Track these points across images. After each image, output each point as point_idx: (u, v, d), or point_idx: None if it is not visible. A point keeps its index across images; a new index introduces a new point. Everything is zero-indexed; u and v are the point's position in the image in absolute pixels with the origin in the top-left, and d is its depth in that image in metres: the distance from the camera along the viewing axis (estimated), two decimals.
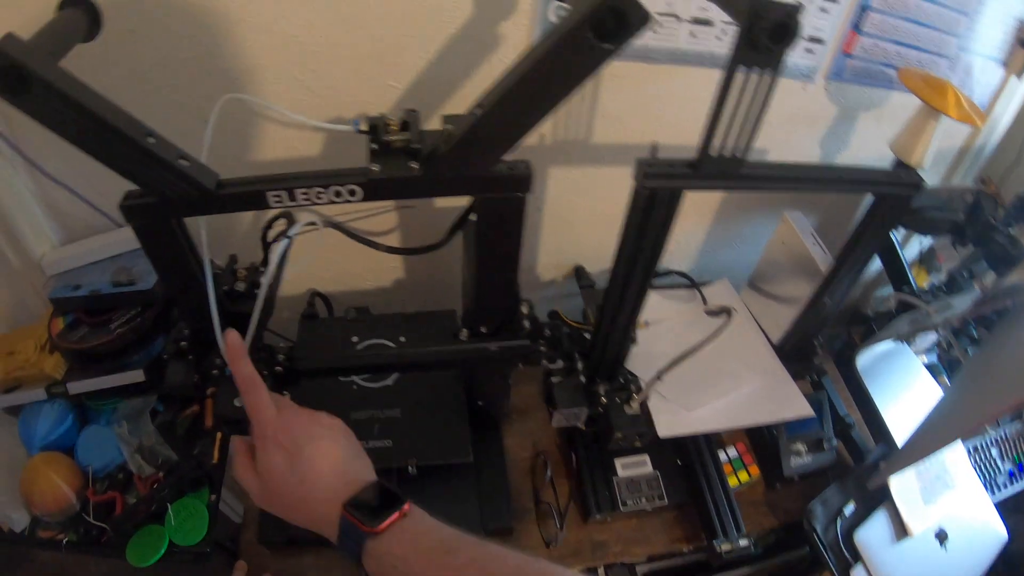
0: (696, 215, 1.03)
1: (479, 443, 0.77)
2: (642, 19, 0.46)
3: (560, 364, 0.74)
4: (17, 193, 0.81)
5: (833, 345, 0.96)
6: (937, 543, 0.85)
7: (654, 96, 0.85)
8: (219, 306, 0.61)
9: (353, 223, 0.72)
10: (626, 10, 0.46)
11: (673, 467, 0.84)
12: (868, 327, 1.01)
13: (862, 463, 0.89)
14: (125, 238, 0.84)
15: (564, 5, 0.73)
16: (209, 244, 0.61)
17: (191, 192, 0.54)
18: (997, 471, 0.99)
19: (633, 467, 0.83)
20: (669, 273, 0.98)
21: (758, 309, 0.94)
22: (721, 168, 0.59)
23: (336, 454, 0.50)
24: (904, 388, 0.97)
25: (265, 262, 0.70)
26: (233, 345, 0.51)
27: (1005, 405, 0.73)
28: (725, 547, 0.78)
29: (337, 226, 0.64)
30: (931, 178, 1.12)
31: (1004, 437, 1.01)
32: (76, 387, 0.83)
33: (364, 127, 0.56)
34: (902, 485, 0.85)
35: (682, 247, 1.06)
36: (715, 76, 0.82)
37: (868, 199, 0.74)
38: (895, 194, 0.72)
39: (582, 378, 0.74)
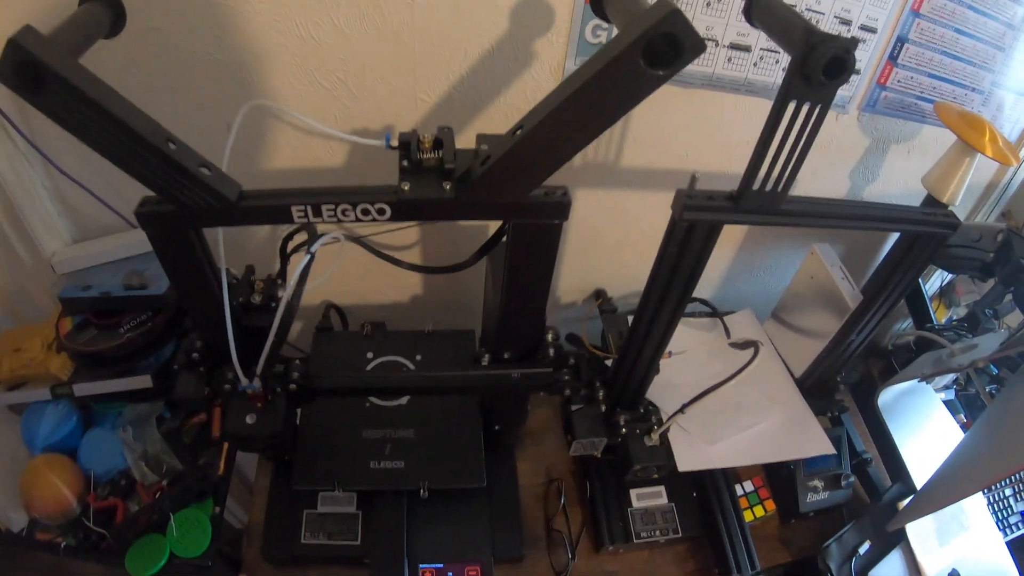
0: (722, 243, 0.98)
1: (492, 467, 0.74)
2: (696, 46, 0.43)
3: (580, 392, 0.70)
4: (30, 188, 0.78)
5: (850, 378, 0.93)
6: None
7: (686, 120, 0.82)
8: (234, 319, 0.58)
9: (372, 236, 0.69)
10: (680, 37, 0.43)
11: (689, 499, 0.81)
12: (887, 362, 0.98)
13: (878, 500, 0.86)
14: (139, 240, 0.81)
15: (603, 24, 0.70)
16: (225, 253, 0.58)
17: (211, 202, 0.51)
18: (1010, 511, 0.96)
19: (648, 498, 0.80)
20: (691, 301, 0.95)
21: (781, 341, 0.91)
22: (762, 202, 0.56)
23: None
24: (922, 426, 0.94)
25: (282, 274, 0.67)
26: None
27: None
28: None
29: (359, 241, 0.61)
30: (958, 213, 1.10)
31: (1018, 478, 0.98)
32: (82, 389, 0.80)
33: (395, 143, 0.52)
34: (918, 526, 0.82)
35: (705, 275, 1.02)
36: (749, 102, 0.81)
37: (895, 235, 0.71)
38: (931, 233, 0.69)
39: (602, 407, 0.70)
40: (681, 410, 0.68)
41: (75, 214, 0.82)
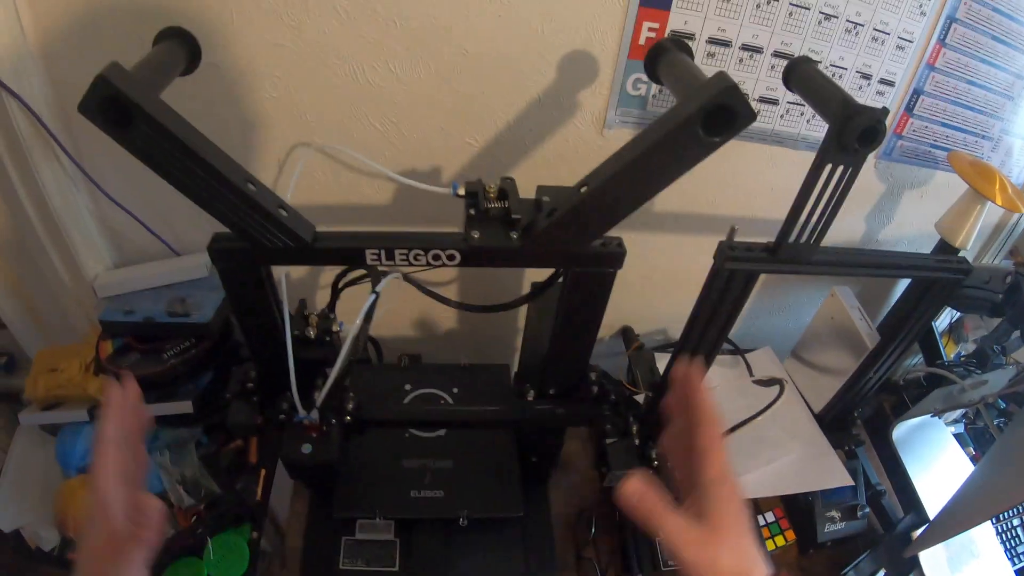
0: None
1: (527, 497, 0.78)
2: (750, 117, 0.48)
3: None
4: (75, 210, 0.82)
5: (864, 413, 0.99)
6: None
7: (716, 168, 0.88)
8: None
9: (417, 273, 0.73)
10: (737, 108, 0.48)
11: None
12: (899, 397, 1.04)
13: (892, 531, 0.92)
14: (181, 267, 0.85)
15: (643, 78, 0.76)
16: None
17: (287, 243, 0.55)
18: (1018, 540, 1.02)
19: None
20: None
21: (801, 378, 0.97)
22: (797, 254, 0.62)
23: None
24: (933, 458, 1.00)
25: (332, 307, 0.71)
26: (691, 373, 0.48)
27: None
28: None
29: (415, 282, 0.66)
30: (967, 254, 1.17)
31: None
32: None
33: (462, 192, 0.57)
34: (931, 555, 0.88)
35: None
36: (775, 152, 0.88)
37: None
38: (945, 279, 0.75)
39: (636, 440, 0.75)
40: None
41: (118, 238, 0.86)
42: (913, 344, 0.81)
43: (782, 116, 0.84)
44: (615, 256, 0.56)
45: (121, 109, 0.43)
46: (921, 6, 0.82)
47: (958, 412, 1.07)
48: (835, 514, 0.89)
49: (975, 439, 1.08)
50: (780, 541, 0.89)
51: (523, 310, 0.83)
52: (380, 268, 0.60)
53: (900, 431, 0.97)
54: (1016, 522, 1.03)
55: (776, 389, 0.77)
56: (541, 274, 0.64)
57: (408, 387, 0.78)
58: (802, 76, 0.61)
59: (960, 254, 0.92)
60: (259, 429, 0.68)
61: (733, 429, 0.74)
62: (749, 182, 0.91)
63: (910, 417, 0.96)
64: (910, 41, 0.85)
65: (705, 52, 0.77)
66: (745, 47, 0.78)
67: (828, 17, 0.79)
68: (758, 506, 0.90)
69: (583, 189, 0.53)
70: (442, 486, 0.76)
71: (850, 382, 0.84)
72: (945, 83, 0.91)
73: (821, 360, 0.95)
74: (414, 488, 0.76)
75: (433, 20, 0.69)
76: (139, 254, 0.87)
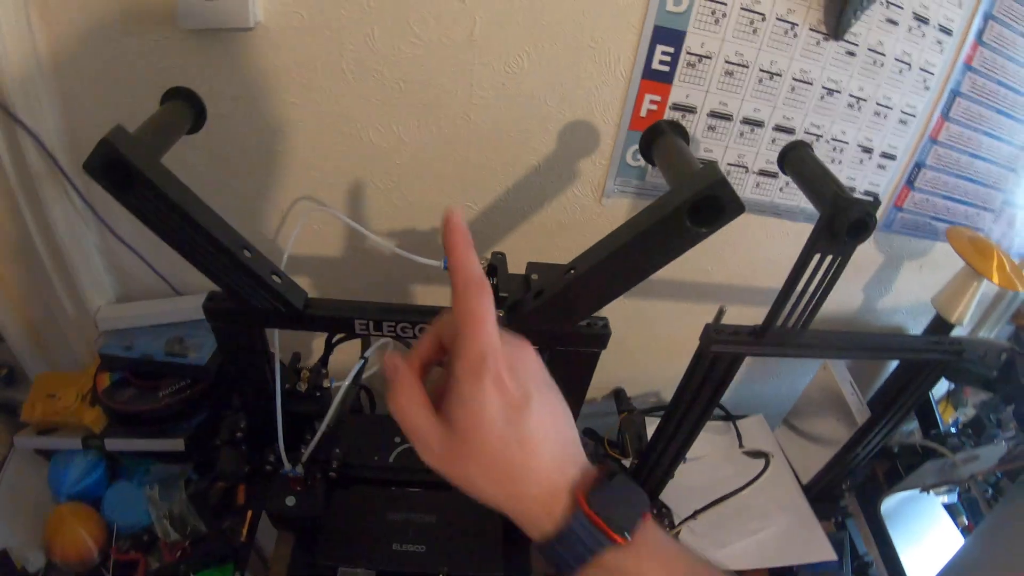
0: None
1: (508, 558, 0.79)
2: (737, 210, 0.51)
3: None
4: (83, 245, 0.85)
5: (856, 479, 1.00)
6: None
7: (714, 239, 0.89)
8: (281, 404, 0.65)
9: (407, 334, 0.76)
10: (724, 202, 0.50)
11: None
12: (892, 464, 1.04)
13: None
14: (182, 308, 0.88)
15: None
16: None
17: (279, 308, 0.58)
18: None
19: None
20: None
21: (791, 447, 0.98)
22: (783, 338, 0.64)
23: (564, 416, 0.38)
24: (923, 531, 1.01)
25: (324, 362, 0.74)
26: (456, 225, 0.35)
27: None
28: None
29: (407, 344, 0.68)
30: (965, 326, 1.18)
31: None
32: (114, 444, 0.86)
33: None
34: None
35: None
36: (773, 223, 0.90)
37: None
38: (936, 360, 0.76)
39: None
40: (693, 515, 0.75)
41: (122, 274, 0.90)
42: (904, 420, 0.82)
43: (781, 189, 0.86)
44: (599, 337, 0.58)
45: (123, 172, 0.46)
46: (925, 80, 0.84)
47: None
48: None
49: (968, 508, 1.08)
50: None
51: None
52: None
53: (891, 504, 0.98)
54: None
55: (763, 464, 0.78)
56: None
57: (398, 439, 0.80)
58: (796, 161, 0.64)
59: (956, 329, 0.93)
60: (246, 477, 0.71)
61: (718, 501, 0.75)
62: (747, 252, 0.93)
63: (900, 490, 0.97)
64: (913, 115, 0.87)
65: (706, 125, 0.79)
66: (746, 120, 0.80)
67: (831, 92, 0.81)
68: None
69: (571, 272, 0.55)
70: (424, 541, 0.78)
71: (839, 455, 0.86)
72: (947, 156, 0.93)
73: (812, 430, 0.96)
74: (396, 541, 0.78)
75: (438, 86, 0.72)
76: (142, 291, 0.90)
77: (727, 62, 0.76)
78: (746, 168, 0.83)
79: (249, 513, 0.85)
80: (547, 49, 0.71)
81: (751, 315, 0.66)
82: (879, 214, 0.94)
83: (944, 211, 0.98)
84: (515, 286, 0.59)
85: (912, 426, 1.14)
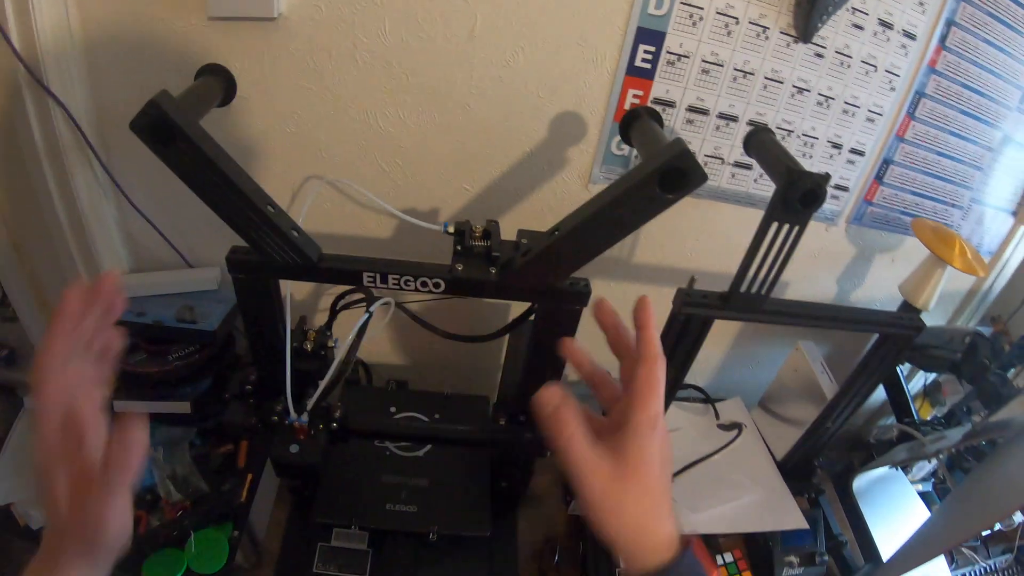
0: (717, 337, 1.17)
1: (496, 520, 0.87)
2: (700, 178, 0.59)
3: None
4: (102, 216, 0.93)
5: (834, 468, 1.08)
6: None
7: (693, 226, 1.00)
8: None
9: (408, 304, 0.84)
10: (688, 171, 0.59)
11: None
12: (868, 454, 1.13)
13: None
14: (193, 278, 0.97)
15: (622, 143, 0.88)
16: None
17: (296, 260, 0.66)
18: None
19: None
20: (687, 387, 1.12)
21: (766, 427, 1.07)
22: (747, 303, 0.73)
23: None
24: (897, 513, 1.08)
25: (330, 326, 0.83)
26: (649, 307, 0.48)
27: (983, 525, 0.85)
28: None
29: (404, 308, 0.77)
30: (939, 316, 1.28)
31: (994, 568, 1.11)
32: (122, 406, 0.93)
33: (452, 230, 0.69)
34: None
35: (701, 365, 1.20)
36: (748, 213, 1.00)
37: (875, 336, 0.88)
38: (898, 334, 0.85)
39: None
40: (671, 479, 0.83)
41: (136, 246, 0.98)
42: (871, 394, 0.91)
43: (755, 180, 0.97)
44: (581, 295, 0.67)
45: (166, 131, 0.53)
46: (891, 82, 0.95)
47: (927, 470, 1.16)
48: (794, 559, 0.98)
49: (942, 496, 1.16)
50: None
51: (504, 348, 0.94)
52: (375, 291, 0.71)
53: (863, 483, 1.06)
54: None
55: (735, 433, 0.87)
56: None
57: (393, 409, 0.88)
58: (759, 143, 0.74)
59: (923, 315, 1.02)
60: (252, 430, 0.79)
61: (692, 465, 0.83)
62: (723, 239, 1.03)
63: (872, 468, 1.05)
64: (880, 114, 0.97)
65: (684, 119, 0.90)
66: (722, 115, 0.91)
67: (801, 91, 0.92)
68: (718, 546, 0.98)
69: (555, 233, 0.64)
70: (416, 502, 0.86)
71: (811, 429, 0.94)
72: (914, 154, 1.03)
73: (785, 410, 1.05)
74: (390, 502, 0.86)
75: (441, 77, 0.82)
76: (154, 262, 0.99)
77: (704, 61, 0.86)
78: (722, 160, 0.93)
79: (249, 476, 0.93)
80: (540, 46, 0.82)
81: None
82: (849, 207, 1.05)
83: (913, 206, 1.08)
84: (507, 248, 0.68)
85: (889, 420, 1.23)
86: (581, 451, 0.44)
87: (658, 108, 0.88)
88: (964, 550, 1.10)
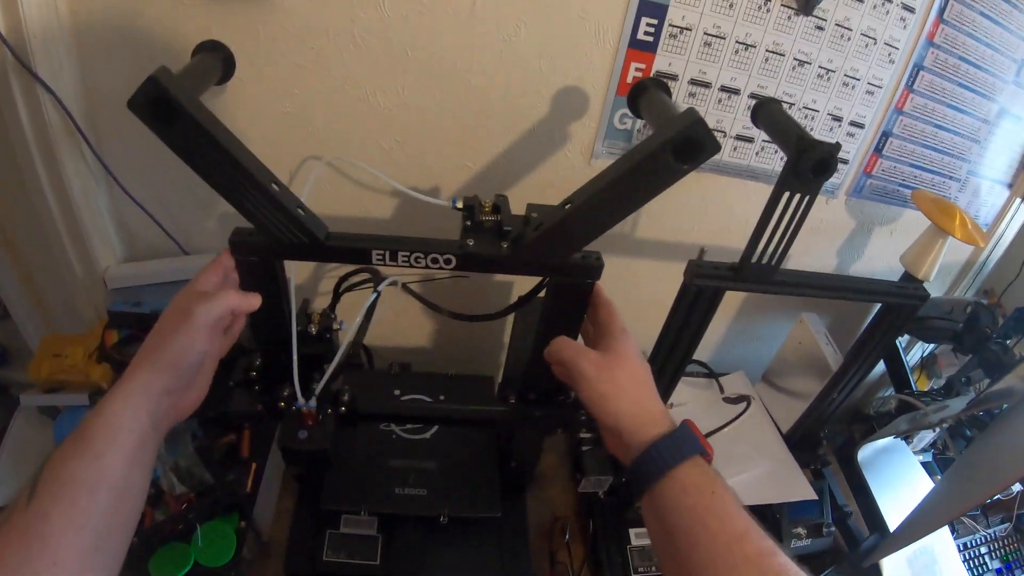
0: (719, 311, 1.17)
1: (506, 501, 0.87)
2: (714, 148, 0.59)
3: (591, 434, 0.86)
4: (94, 204, 0.91)
5: (836, 442, 1.10)
6: None
7: (694, 200, 1.01)
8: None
9: (410, 284, 0.84)
10: (702, 140, 0.59)
11: None
12: (869, 426, 1.15)
13: (857, 550, 1.01)
14: (189, 266, 0.95)
15: (628, 113, 0.88)
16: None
17: (302, 240, 0.65)
18: (985, 568, 1.12)
19: (646, 537, 0.94)
20: (691, 362, 1.12)
21: (770, 401, 1.08)
22: (758, 274, 0.73)
23: None
24: (900, 483, 1.10)
25: (332, 308, 0.82)
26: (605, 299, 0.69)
27: (986, 494, 0.87)
28: None
29: (410, 289, 0.76)
30: (936, 287, 1.30)
31: (994, 537, 1.15)
32: None
33: (460, 205, 0.69)
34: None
35: (704, 339, 1.20)
36: (750, 186, 1.01)
37: (877, 306, 0.89)
38: (903, 304, 0.86)
39: None
40: None
41: (130, 235, 0.96)
42: (875, 366, 0.92)
43: (757, 153, 0.97)
44: (594, 268, 0.67)
45: (166, 108, 0.51)
46: (890, 55, 0.95)
47: (927, 441, 1.18)
48: (801, 531, 0.99)
49: (943, 467, 1.19)
50: None
51: (509, 327, 0.94)
52: (383, 270, 0.70)
53: (867, 453, 1.08)
54: (984, 550, 1.13)
55: (744, 405, 0.88)
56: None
57: (397, 392, 0.87)
58: (767, 114, 0.74)
59: (924, 285, 1.04)
60: (258, 417, 0.78)
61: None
62: (726, 213, 1.03)
63: (876, 439, 1.07)
64: (879, 87, 0.98)
65: (687, 92, 0.90)
66: (724, 88, 0.91)
67: (801, 63, 0.92)
68: None
69: (567, 206, 0.64)
70: (425, 485, 0.86)
71: (816, 402, 0.95)
72: (913, 126, 1.04)
73: (789, 383, 1.06)
74: (398, 486, 0.86)
75: (442, 53, 0.81)
76: (149, 251, 0.97)
77: (706, 34, 0.86)
78: (724, 133, 0.94)
79: (253, 465, 0.92)
80: (541, 20, 0.81)
81: None
82: (849, 179, 1.05)
83: (912, 178, 1.09)
84: (518, 223, 0.68)
85: (887, 393, 1.25)
86: (582, 354, 0.60)
87: None
88: (964, 520, 1.13)
